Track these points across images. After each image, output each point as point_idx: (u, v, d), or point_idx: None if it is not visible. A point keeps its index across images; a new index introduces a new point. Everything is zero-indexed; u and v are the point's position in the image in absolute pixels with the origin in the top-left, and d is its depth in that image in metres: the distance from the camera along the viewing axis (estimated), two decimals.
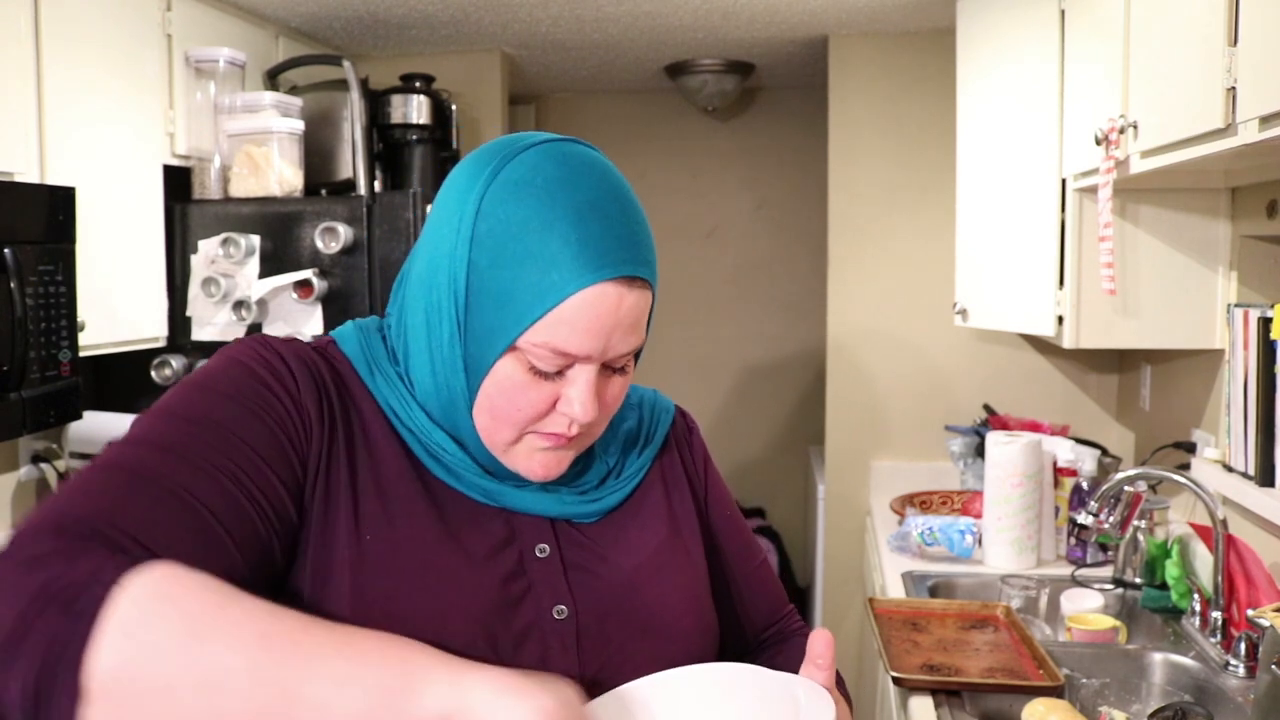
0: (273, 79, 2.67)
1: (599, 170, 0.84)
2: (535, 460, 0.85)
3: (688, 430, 1.05)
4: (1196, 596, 1.83)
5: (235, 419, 0.78)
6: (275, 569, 0.79)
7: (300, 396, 0.82)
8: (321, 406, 0.83)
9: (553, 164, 0.82)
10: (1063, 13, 2.15)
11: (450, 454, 0.85)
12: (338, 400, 0.85)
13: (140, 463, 0.74)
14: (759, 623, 1.06)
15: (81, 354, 1.97)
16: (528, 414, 0.83)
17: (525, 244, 0.79)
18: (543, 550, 0.86)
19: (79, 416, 1.95)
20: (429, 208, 1.04)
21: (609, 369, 0.85)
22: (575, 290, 0.78)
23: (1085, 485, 2.25)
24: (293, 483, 0.79)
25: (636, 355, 0.87)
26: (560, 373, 0.82)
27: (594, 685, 0.83)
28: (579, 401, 0.82)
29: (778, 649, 1.04)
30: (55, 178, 1.93)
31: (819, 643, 0.82)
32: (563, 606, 0.85)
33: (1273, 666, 1.35)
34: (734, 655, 1.02)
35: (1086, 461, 2.36)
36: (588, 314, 0.79)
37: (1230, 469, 1.86)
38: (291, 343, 0.86)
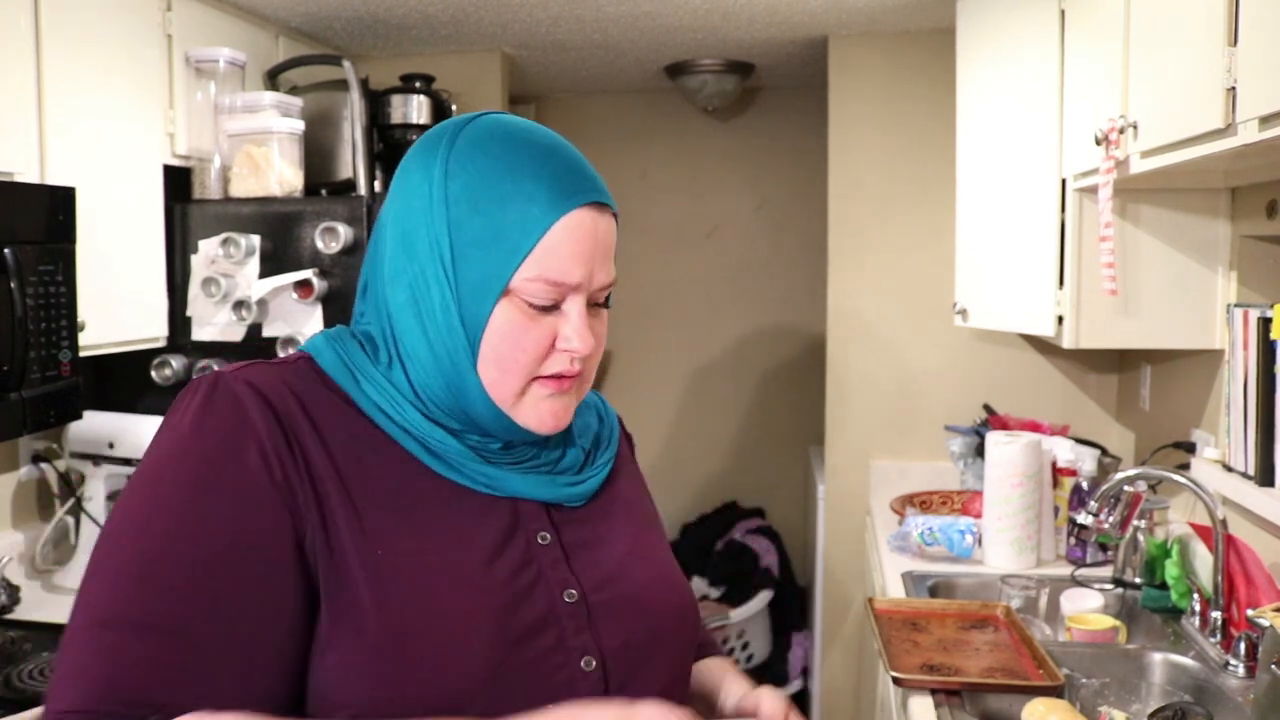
0: (273, 79, 2.66)
1: (543, 128, 0.91)
2: (544, 409, 0.89)
3: (628, 439, 1.11)
4: (1196, 596, 1.83)
5: (204, 519, 0.78)
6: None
7: (265, 446, 0.81)
8: (290, 444, 0.82)
9: (502, 126, 0.89)
10: (1063, 13, 2.15)
11: (449, 447, 0.87)
12: (309, 426, 0.84)
13: (130, 614, 0.76)
14: None
15: (81, 354, 1.97)
16: (532, 355, 0.86)
17: (500, 188, 0.85)
18: (544, 538, 0.90)
19: (79, 416, 1.95)
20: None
21: (592, 305, 0.89)
22: (557, 218, 0.84)
23: (1085, 485, 2.25)
24: (291, 541, 0.80)
25: (607, 299, 0.92)
26: (554, 308, 0.86)
27: (612, 657, 0.87)
28: (576, 334, 0.86)
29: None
30: (55, 178, 1.93)
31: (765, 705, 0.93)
32: (572, 590, 0.88)
33: (1272, 666, 1.35)
34: None
35: (1086, 461, 2.36)
36: (571, 239, 0.85)
37: (1230, 469, 1.86)
38: (242, 386, 0.83)
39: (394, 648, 0.79)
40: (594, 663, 0.86)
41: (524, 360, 0.86)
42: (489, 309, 0.85)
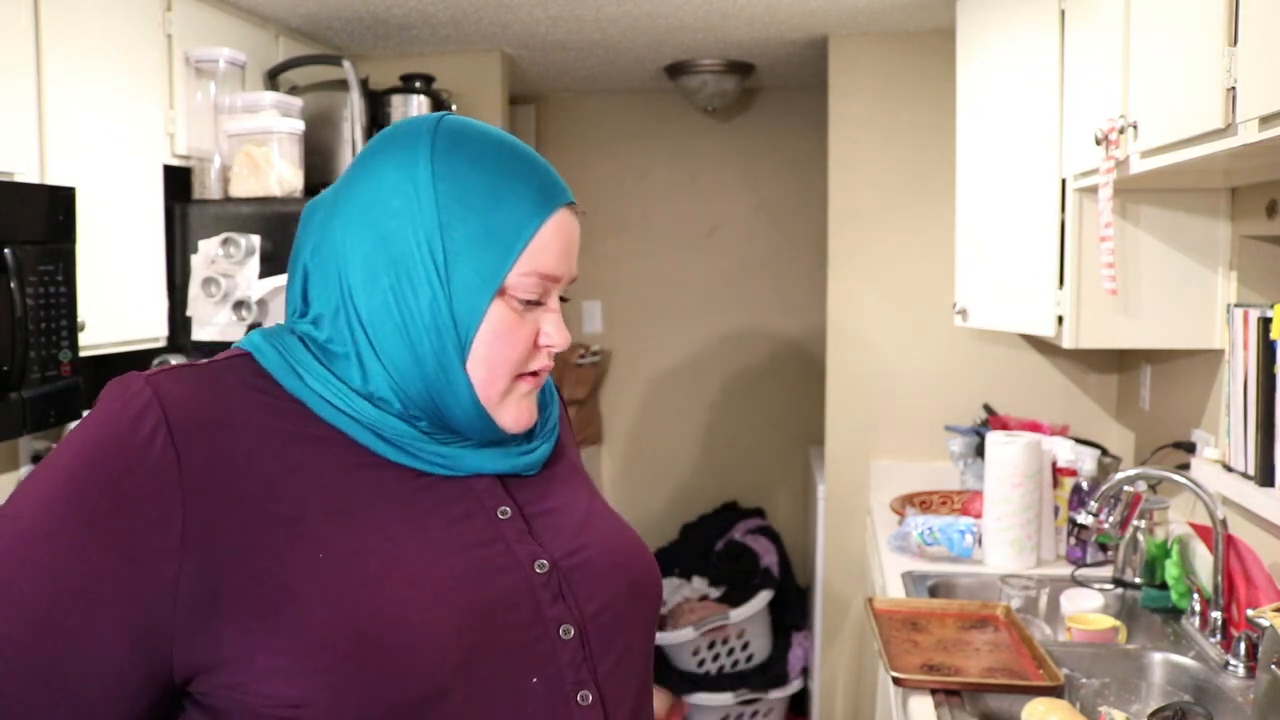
0: (273, 79, 2.67)
1: (501, 130, 0.94)
2: (522, 408, 0.91)
3: (564, 404, 1.10)
4: (1196, 596, 1.83)
5: (63, 554, 0.76)
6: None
7: (156, 483, 0.78)
8: (199, 468, 0.79)
9: (472, 127, 0.91)
10: (1063, 13, 2.15)
11: (400, 430, 0.85)
12: (237, 435, 0.81)
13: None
14: None
15: (81, 354, 1.97)
16: (520, 352, 0.89)
17: (491, 189, 0.87)
18: (504, 512, 0.89)
19: (79, 416, 1.95)
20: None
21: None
22: (546, 216, 0.88)
23: (1085, 485, 2.25)
24: (146, 614, 0.76)
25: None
26: (536, 305, 0.89)
27: (591, 622, 0.88)
28: (557, 329, 0.90)
29: None
30: (55, 178, 1.93)
31: None
32: (543, 561, 0.88)
33: (1272, 666, 1.35)
34: None
35: (1086, 461, 2.36)
36: (559, 236, 0.89)
37: (1230, 469, 1.86)
38: (154, 408, 0.80)
39: (352, 649, 0.76)
40: (572, 630, 0.86)
41: (513, 358, 0.88)
42: (484, 307, 0.86)
